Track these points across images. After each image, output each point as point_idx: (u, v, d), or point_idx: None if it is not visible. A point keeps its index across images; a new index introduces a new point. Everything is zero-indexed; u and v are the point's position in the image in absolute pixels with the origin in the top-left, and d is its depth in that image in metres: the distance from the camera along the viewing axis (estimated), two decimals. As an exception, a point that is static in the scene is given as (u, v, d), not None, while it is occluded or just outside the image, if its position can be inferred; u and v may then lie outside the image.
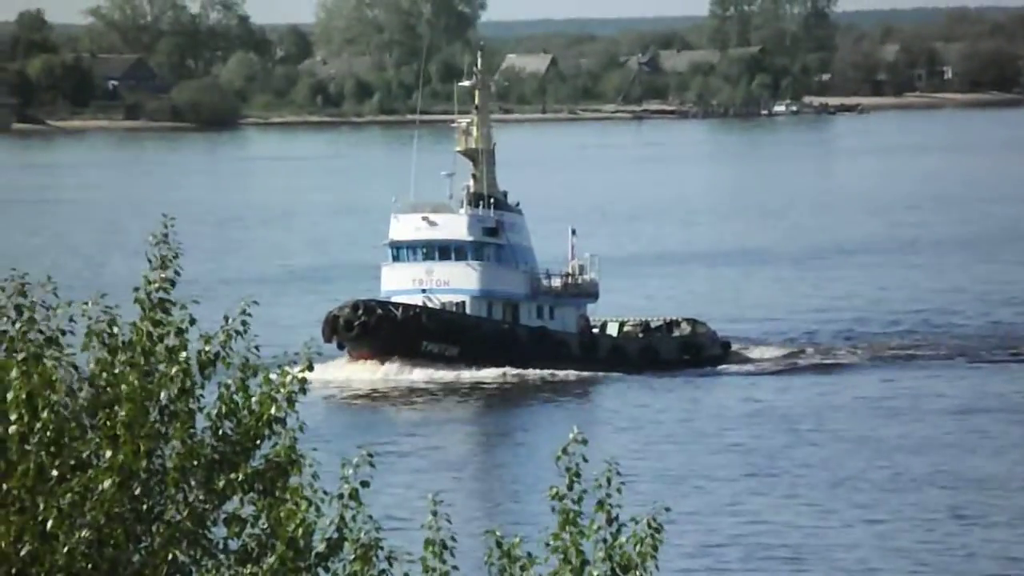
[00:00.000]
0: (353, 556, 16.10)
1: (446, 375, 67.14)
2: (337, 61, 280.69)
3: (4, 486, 15.50)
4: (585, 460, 16.53)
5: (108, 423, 15.88)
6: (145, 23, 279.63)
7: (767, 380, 68.36)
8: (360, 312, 66.70)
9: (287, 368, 16.57)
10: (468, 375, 67.46)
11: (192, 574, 15.88)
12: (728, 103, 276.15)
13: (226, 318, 16.46)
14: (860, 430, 59.20)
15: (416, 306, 68.17)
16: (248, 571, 15.91)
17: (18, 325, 15.93)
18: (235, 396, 16.36)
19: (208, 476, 16.14)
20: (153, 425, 16.02)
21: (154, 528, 15.85)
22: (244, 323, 16.43)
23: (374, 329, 66.32)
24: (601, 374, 68.52)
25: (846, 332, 76.98)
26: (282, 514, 16.09)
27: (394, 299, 68.70)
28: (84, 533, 15.40)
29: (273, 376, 16.44)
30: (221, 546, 16.12)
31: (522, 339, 69.08)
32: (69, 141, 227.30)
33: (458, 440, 59.21)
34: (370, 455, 16.41)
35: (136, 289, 16.17)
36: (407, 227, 69.73)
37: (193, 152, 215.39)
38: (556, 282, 71.07)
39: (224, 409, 16.32)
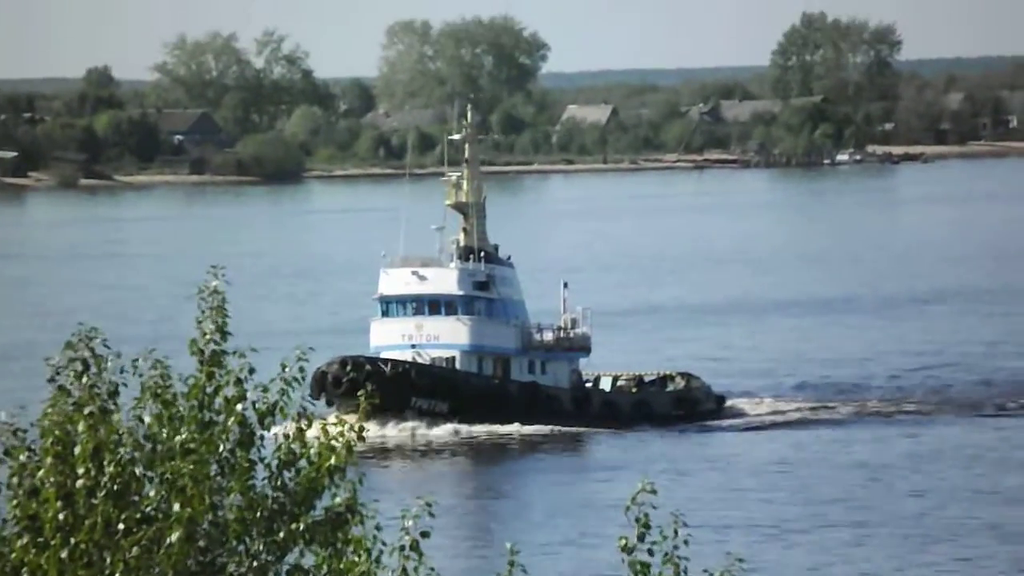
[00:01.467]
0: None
1: (436, 432, 66.31)
2: (400, 114, 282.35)
3: (72, 540, 15.69)
4: (654, 508, 16.52)
5: (172, 476, 16.08)
6: (210, 78, 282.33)
7: (763, 434, 67.63)
8: (348, 368, 65.79)
9: (344, 417, 16.76)
10: (458, 431, 66.54)
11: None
12: (790, 152, 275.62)
13: (283, 366, 16.65)
14: (892, 482, 58.76)
15: (405, 362, 67.31)
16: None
17: (85, 379, 16.18)
18: (293, 446, 16.55)
19: (269, 527, 16.31)
20: (215, 477, 16.21)
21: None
22: (302, 370, 16.62)
23: (362, 385, 65.47)
24: (593, 430, 67.53)
25: (845, 385, 75.79)
26: (343, 565, 16.23)
27: (383, 354, 67.88)
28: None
29: (331, 426, 16.61)
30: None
31: (513, 394, 68.27)
32: (135, 196, 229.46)
33: (451, 495, 58.63)
34: (429, 504, 16.52)
35: (193, 342, 16.37)
36: (396, 281, 69.08)
37: (258, 205, 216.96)
38: (548, 336, 70.23)
39: (283, 459, 16.50)
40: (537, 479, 62.30)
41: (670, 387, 71.67)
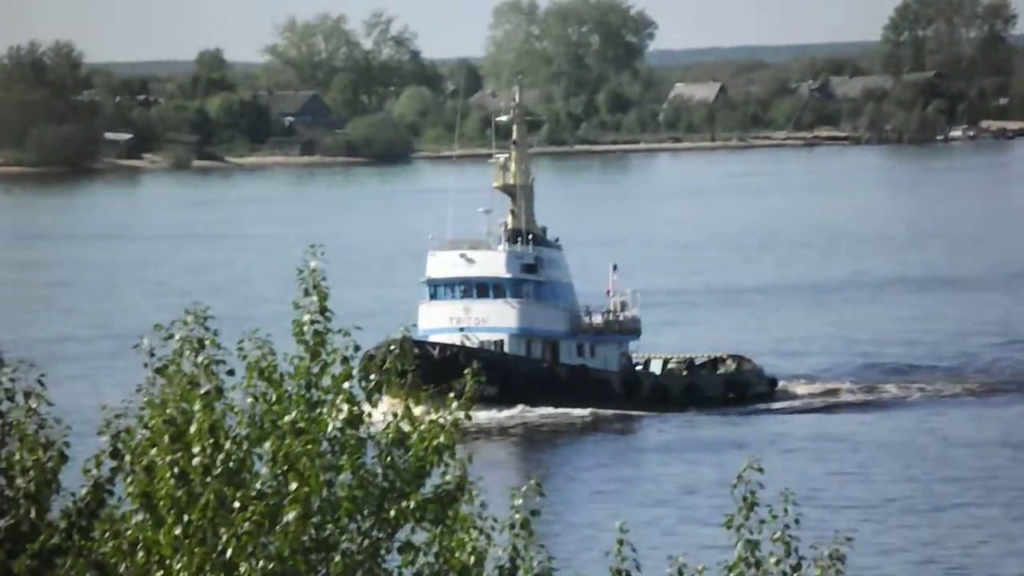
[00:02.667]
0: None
1: (485, 415, 65.24)
2: (506, 94, 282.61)
3: (187, 517, 15.93)
4: (761, 487, 16.50)
5: (286, 454, 16.29)
6: (320, 60, 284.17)
7: (817, 417, 66.58)
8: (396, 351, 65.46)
9: (451, 396, 16.92)
10: (507, 415, 66.00)
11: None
12: (902, 129, 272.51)
13: (388, 344, 16.81)
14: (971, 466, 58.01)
15: (453, 345, 66.61)
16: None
17: (201, 358, 16.43)
18: (402, 424, 16.73)
19: (379, 505, 16.49)
20: (326, 456, 16.41)
21: (330, 557, 16.20)
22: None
23: (410, 369, 64.14)
24: (643, 413, 67.01)
25: (902, 367, 74.29)
26: (453, 543, 16.38)
27: (431, 338, 67.39)
28: (267, 564, 15.76)
29: (439, 406, 16.77)
30: (396, 575, 16.42)
31: (562, 378, 67.75)
32: (247, 177, 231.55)
33: (501, 480, 58.08)
34: (539, 484, 16.63)
35: (296, 323, 16.56)
36: (444, 264, 68.88)
37: (367, 186, 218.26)
38: (597, 319, 69.72)
39: (392, 437, 16.68)
40: (594, 461, 61.75)
41: (721, 370, 70.95)
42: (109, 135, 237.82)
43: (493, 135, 76.77)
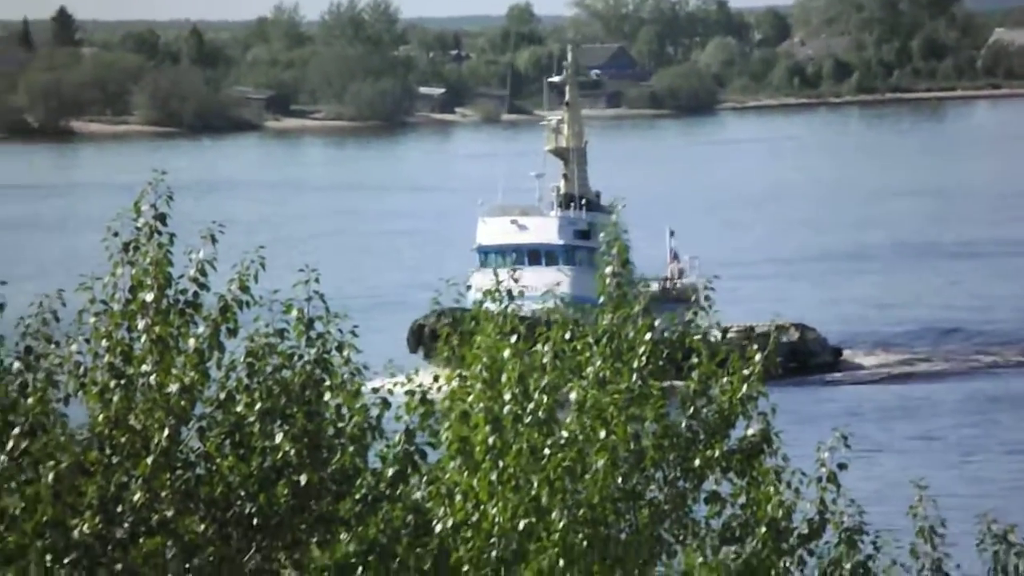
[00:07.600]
0: (838, 540, 16.37)
1: None
2: (815, 42, 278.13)
3: (501, 463, 16.39)
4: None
5: (593, 405, 16.66)
6: (627, 12, 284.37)
7: (886, 387, 64.17)
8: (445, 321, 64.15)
9: (754, 349, 17.07)
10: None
11: (677, 553, 16.44)
12: None
13: (690, 296, 17.04)
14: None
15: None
16: (732, 551, 16.36)
17: (510, 308, 16.92)
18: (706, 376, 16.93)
19: (684, 455, 16.72)
20: (627, 409, 16.70)
21: (637, 506, 16.49)
22: (707, 299, 17.02)
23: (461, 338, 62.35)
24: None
25: (970, 334, 71.37)
26: (759, 495, 16.51)
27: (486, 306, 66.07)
28: (577, 510, 16.14)
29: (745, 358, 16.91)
30: (703, 525, 16.62)
31: None
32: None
33: None
34: (844, 436, 16.64)
35: (600, 276, 16.91)
36: (495, 231, 67.43)
37: (672, 138, 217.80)
38: (653, 287, 68.29)
39: (695, 389, 16.89)
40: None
41: (783, 339, 68.77)
42: (423, 90, 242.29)
43: (546, 98, 75.99)
